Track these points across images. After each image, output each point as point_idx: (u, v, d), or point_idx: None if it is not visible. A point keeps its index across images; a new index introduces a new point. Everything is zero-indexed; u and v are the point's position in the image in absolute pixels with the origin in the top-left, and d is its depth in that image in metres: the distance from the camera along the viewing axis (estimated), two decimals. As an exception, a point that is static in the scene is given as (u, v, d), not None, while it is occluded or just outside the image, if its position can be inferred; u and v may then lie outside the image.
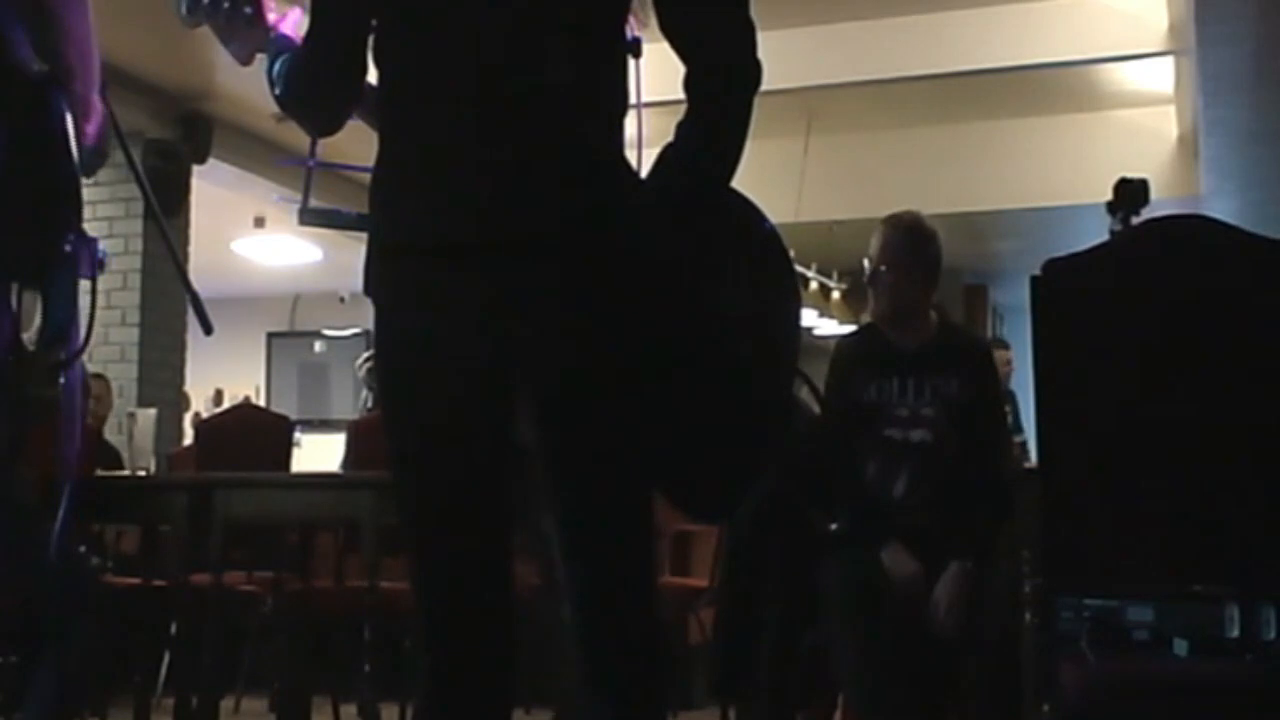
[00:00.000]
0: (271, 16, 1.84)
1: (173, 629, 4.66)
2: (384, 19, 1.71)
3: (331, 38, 1.74)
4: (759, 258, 1.84)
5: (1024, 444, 5.73)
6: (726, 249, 1.79)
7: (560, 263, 1.64)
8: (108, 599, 3.53)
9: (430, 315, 1.66)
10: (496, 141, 1.65)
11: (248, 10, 1.82)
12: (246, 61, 1.89)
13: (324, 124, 1.83)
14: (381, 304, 1.71)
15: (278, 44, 1.83)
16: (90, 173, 2.18)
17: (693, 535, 5.26)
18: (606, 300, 1.66)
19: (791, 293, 1.95)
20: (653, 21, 1.73)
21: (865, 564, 3.14)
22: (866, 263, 3.31)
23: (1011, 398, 5.93)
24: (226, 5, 1.81)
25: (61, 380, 2.28)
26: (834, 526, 3.25)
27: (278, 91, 1.79)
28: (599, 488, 1.69)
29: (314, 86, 1.79)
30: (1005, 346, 6.76)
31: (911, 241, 3.30)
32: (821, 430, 3.34)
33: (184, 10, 1.81)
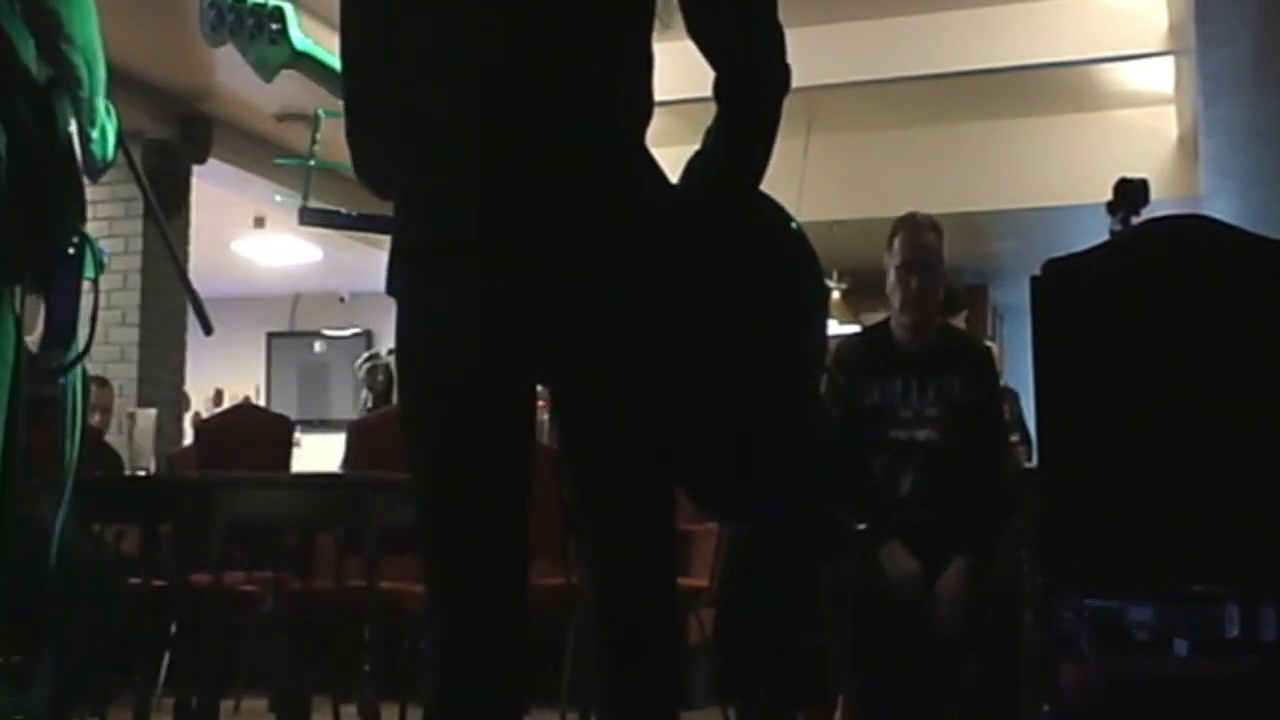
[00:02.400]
0: (295, 34, 1.83)
1: (173, 629, 4.66)
2: (406, 22, 1.70)
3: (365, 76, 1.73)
4: (788, 258, 1.85)
5: (1024, 441, 5.72)
6: (756, 250, 1.79)
7: (583, 263, 1.64)
8: (123, 597, 3.53)
9: (453, 314, 1.67)
10: (522, 140, 1.65)
11: (274, 27, 1.82)
12: (269, 79, 1.89)
13: (374, 184, 1.81)
14: (404, 302, 1.71)
15: None
16: (95, 178, 2.18)
17: (693, 535, 5.25)
18: (631, 299, 1.66)
19: (820, 293, 1.95)
20: (676, 21, 1.73)
21: (865, 564, 3.14)
22: (893, 263, 3.29)
23: (1013, 397, 5.93)
24: (251, 23, 1.80)
25: (61, 381, 2.28)
26: (861, 526, 3.24)
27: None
28: (620, 486, 1.70)
29: (358, 143, 1.77)
30: (991, 341, 6.80)
31: (940, 240, 3.32)
32: (829, 429, 3.34)
33: (209, 29, 1.81)
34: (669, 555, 1.74)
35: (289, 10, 1.83)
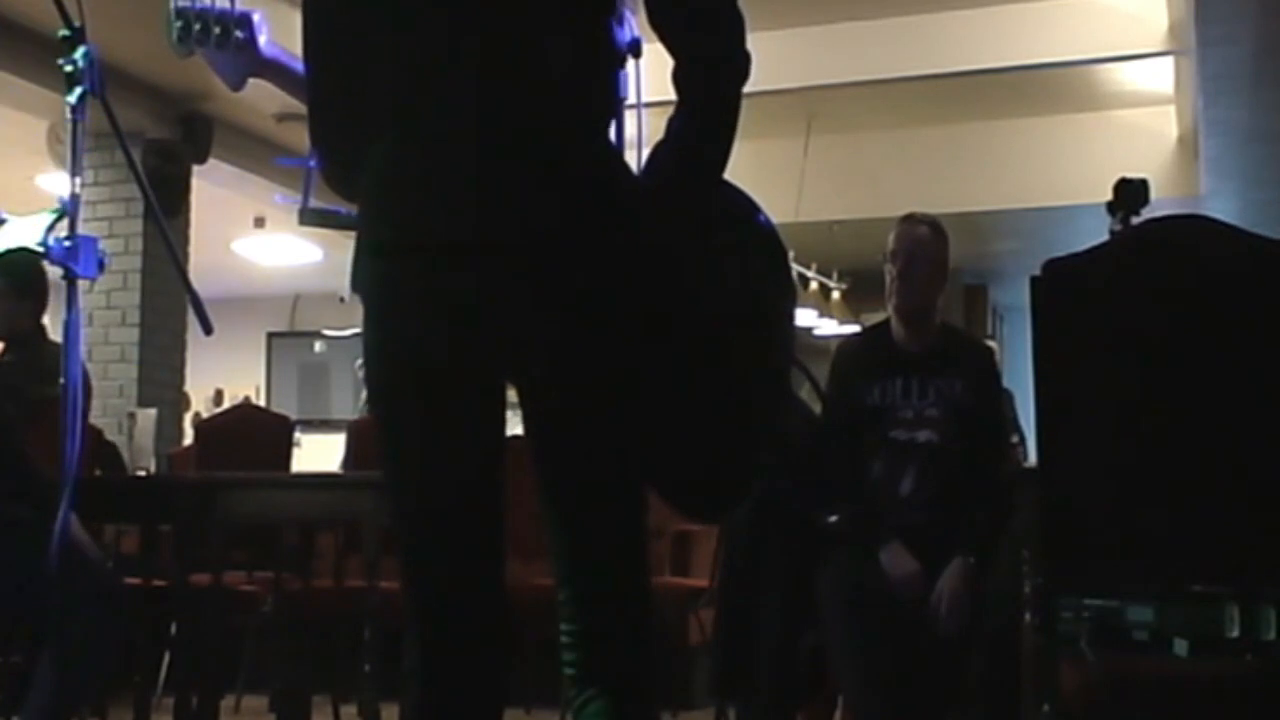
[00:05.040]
0: (263, 41, 1.83)
1: (173, 629, 4.66)
2: (374, 22, 1.71)
3: (330, 77, 1.73)
4: (754, 251, 1.84)
5: (1021, 441, 5.73)
6: (721, 243, 1.79)
7: (553, 261, 1.64)
8: (124, 597, 3.52)
9: (422, 314, 1.66)
10: (489, 140, 1.65)
11: (239, 35, 1.81)
12: (238, 87, 1.89)
13: (342, 187, 1.80)
14: (371, 302, 1.71)
15: None
16: None
17: (693, 535, 5.26)
18: (598, 297, 1.66)
19: (787, 288, 1.94)
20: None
21: (862, 566, 3.15)
22: (889, 260, 3.29)
23: (1009, 397, 5.94)
24: (218, 31, 1.80)
25: (61, 380, 2.29)
26: (832, 518, 3.25)
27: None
28: (590, 483, 1.70)
29: (324, 143, 1.77)
30: (989, 338, 6.83)
31: (938, 239, 3.32)
32: (823, 431, 3.34)
33: (175, 38, 1.81)
34: (639, 553, 1.73)
35: (256, 17, 1.83)
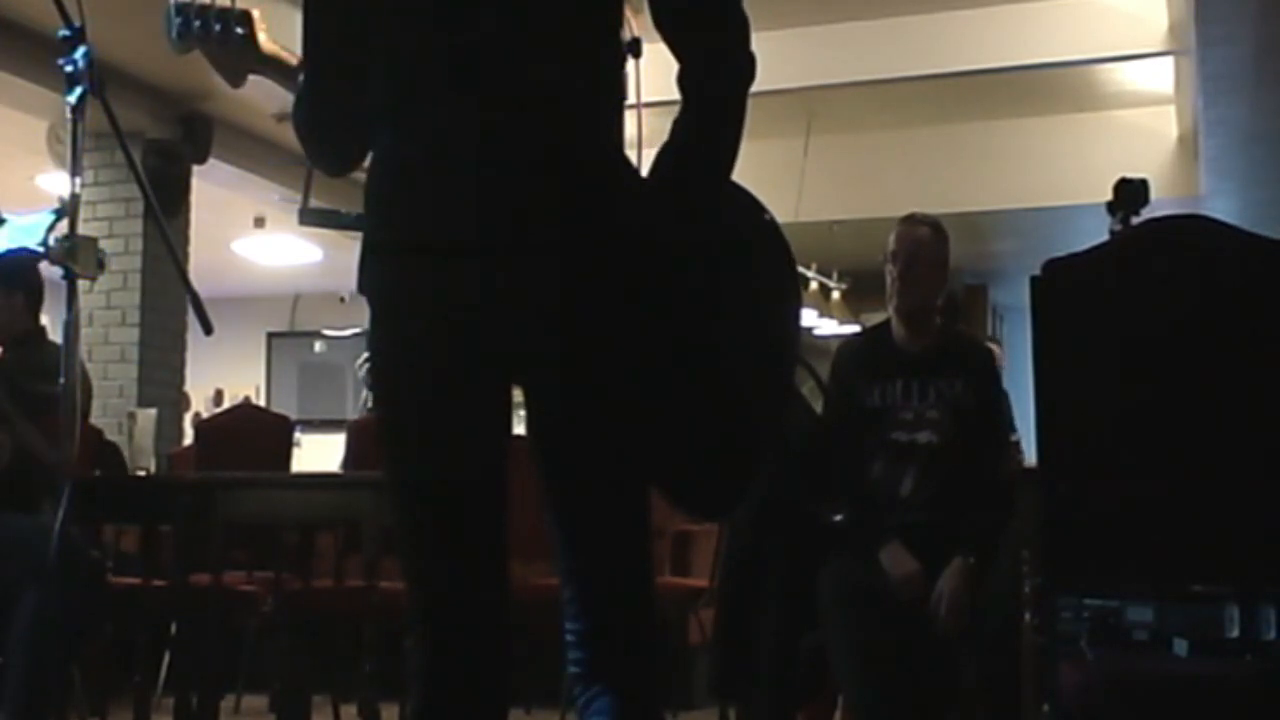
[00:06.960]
0: (262, 37, 1.83)
1: (173, 629, 4.66)
2: (378, 24, 1.70)
3: (329, 68, 1.73)
4: (759, 252, 1.84)
5: (1018, 443, 5.73)
6: (725, 243, 1.79)
7: (558, 261, 1.64)
8: (108, 598, 3.52)
9: (427, 314, 1.66)
10: (495, 141, 1.65)
11: (239, 31, 1.81)
12: (238, 84, 1.88)
13: (331, 167, 1.81)
14: (377, 302, 1.71)
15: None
16: None
17: (693, 535, 5.26)
18: (604, 298, 1.66)
19: (791, 286, 1.94)
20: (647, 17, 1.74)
21: (862, 567, 3.15)
22: (889, 260, 3.29)
23: (1004, 397, 5.95)
24: (218, 28, 1.80)
25: (61, 380, 2.29)
26: (837, 518, 3.25)
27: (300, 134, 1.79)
28: (594, 483, 1.70)
29: (319, 129, 1.78)
30: (996, 343, 6.84)
31: (938, 240, 3.32)
32: (824, 431, 3.34)
33: (175, 35, 1.81)
34: (643, 551, 1.72)
35: (256, 13, 1.83)
